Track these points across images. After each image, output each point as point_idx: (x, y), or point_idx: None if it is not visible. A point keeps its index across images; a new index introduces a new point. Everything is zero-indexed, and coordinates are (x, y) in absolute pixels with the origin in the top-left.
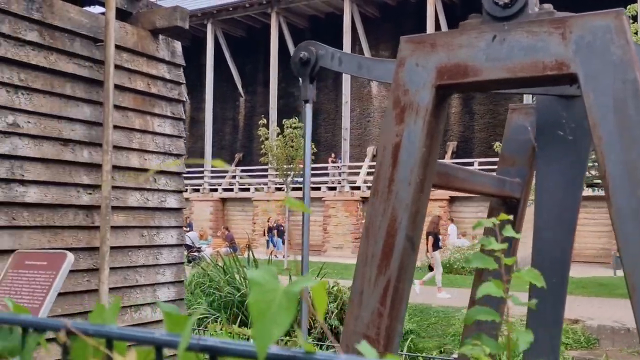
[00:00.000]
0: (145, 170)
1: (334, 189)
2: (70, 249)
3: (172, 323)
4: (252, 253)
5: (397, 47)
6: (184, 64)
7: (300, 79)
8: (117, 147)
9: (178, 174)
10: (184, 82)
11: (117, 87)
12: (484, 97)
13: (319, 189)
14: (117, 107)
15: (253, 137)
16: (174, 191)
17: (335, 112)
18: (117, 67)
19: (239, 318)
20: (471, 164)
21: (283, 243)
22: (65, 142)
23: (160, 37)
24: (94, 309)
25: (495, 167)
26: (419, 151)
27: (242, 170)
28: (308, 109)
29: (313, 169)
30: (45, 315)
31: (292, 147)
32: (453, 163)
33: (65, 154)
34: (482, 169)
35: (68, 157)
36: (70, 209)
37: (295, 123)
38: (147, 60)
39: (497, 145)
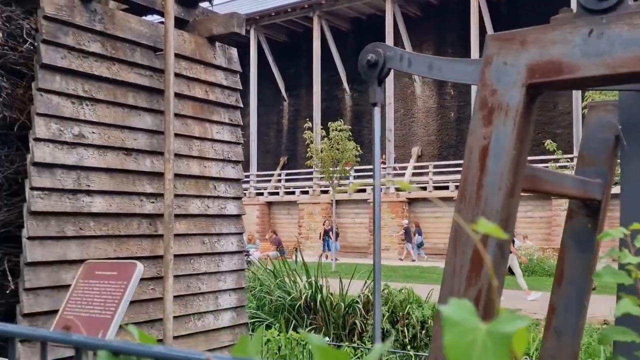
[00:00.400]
0: (205, 178)
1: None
2: (135, 258)
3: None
4: (302, 256)
5: (440, 46)
6: (240, 70)
7: (367, 82)
8: (177, 155)
9: (237, 180)
10: (241, 88)
11: (176, 95)
12: None
13: (364, 190)
14: (176, 115)
15: (297, 140)
16: (233, 198)
17: None
18: (176, 75)
19: (291, 323)
20: None
21: (338, 246)
22: (128, 151)
23: (217, 44)
24: (238, 342)
25: (546, 165)
26: (508, 154)
27: (287, 174)
28: (377, 112)
29: (358, 170)
30: (118, 325)
31: (337, 149)
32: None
33: (128, 164)
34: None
35: (131, 167)
36: (134, 217)
37: (340, 125)
38: (205, 68)
39: (549, 144)
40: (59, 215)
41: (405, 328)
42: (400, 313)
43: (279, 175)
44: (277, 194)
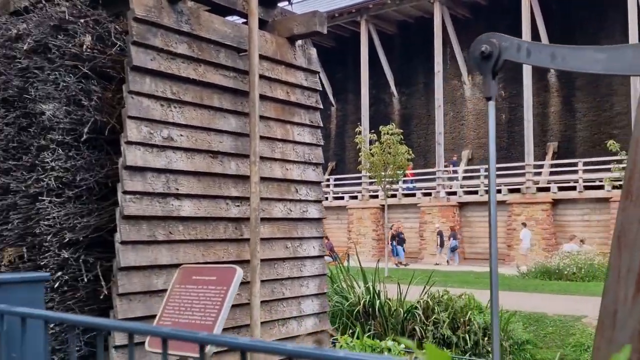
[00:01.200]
0: (287, 180)
1: (429, 194)
2: (221, 263)
3: None
4: (359, 261)
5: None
6: (320, 71)
7: (482, 74)
8: (260, 158)
9: (317, 183)
10: (321, 89)
11: (259, 96)
12: (586, 94)
13: (413, 195)
14: (259, 117)
15: (345, 145)
16: (314, 201)
17: (427, 117)
18: (259, 76)
19: (349, 328)
20: (575, 164)
21: (404, 251)
22: (214, 154)
23: (297, 44)
24: (427, 352)
25: (602, 167)
26: None
27: (336, 179)
28: (491, 107)
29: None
30: (220, 331)
31: (389, 153)
32: (554, 164)
33: (214, 167)
34: (587, 170)
35: (217, 170)
36: (220, 221)
37: (392, 129)
38: (286, 68)
39: (612, 144)
40: (149, 220)
41: (466, 334)
42: (461, 319)
43: (328, 180)
44: (326, 199)
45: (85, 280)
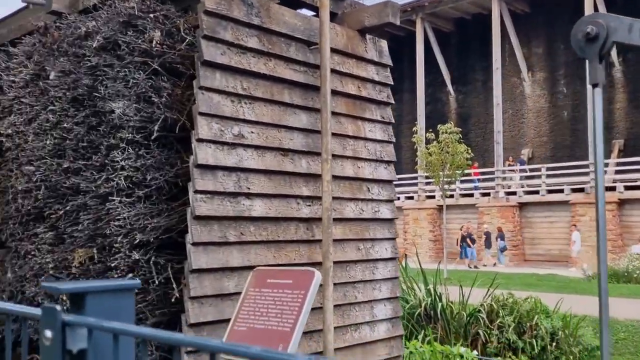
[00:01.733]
0: (359, 179)
1: (487, 194)
2: (293, 265)
3: None
4: (420, 263)
5: (551, 42)
6: (392, 64)
7: (586, 59)
8: (332, 155)
9: (389, 182)
10: (392, 83)
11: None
12: None
13: (471, 195)
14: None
15: (401, 145)
16: (386, 200)
17: (485, 115)
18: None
19: (409, 331)
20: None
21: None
22: (285, 152)
23: (368, 36)
24: None
25: None
26: None
27: None
28: (598, 95)
29: (466, 175)
30: (299, 338)
31: (447, 152)
32: (620, 162)
33: (285, 165)
34: None
35: (288, 168)
36: (291, 222)
37: (450, 128)
38: (357, 62)
39: None
40: (221, 220)
41: (533, 339)
42: (528, 324)
43: None
44: None
45: (157, 282)
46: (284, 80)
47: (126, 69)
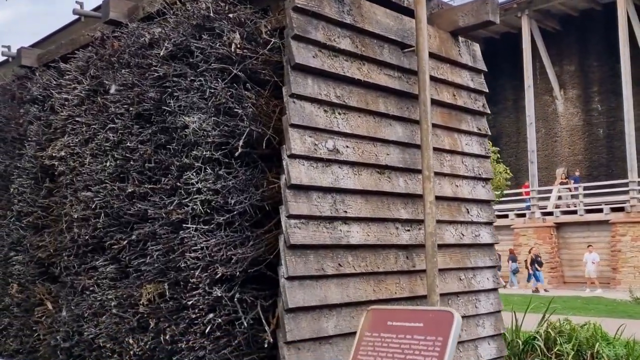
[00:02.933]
0: (458, 199)
1: (522, 215)
2: (394, 300)
3: None
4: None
5: (583, 60)
6: (486, 70)
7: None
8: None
9: (488, 202)
10: (487, 91)
11: None
12: None
13: (505, 216)
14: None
15: None
16: (486, 223)
17: (517, 135)
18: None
19: None
20: None
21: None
22: (382, 169)
23: (460, 39)
24: None
25: None
26: None
27: None
28: None
29: (509, 194)
30: None
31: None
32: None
33: (382, 184)
34: None
35: (386, 188)
36: (390, 250)
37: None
38: (451, 67)
39: None
40: (317, 249)
41: None
42: (589, 352)
43: None
44: None
45: (245, 324)
46: (379, 87)
47: (201, 78)
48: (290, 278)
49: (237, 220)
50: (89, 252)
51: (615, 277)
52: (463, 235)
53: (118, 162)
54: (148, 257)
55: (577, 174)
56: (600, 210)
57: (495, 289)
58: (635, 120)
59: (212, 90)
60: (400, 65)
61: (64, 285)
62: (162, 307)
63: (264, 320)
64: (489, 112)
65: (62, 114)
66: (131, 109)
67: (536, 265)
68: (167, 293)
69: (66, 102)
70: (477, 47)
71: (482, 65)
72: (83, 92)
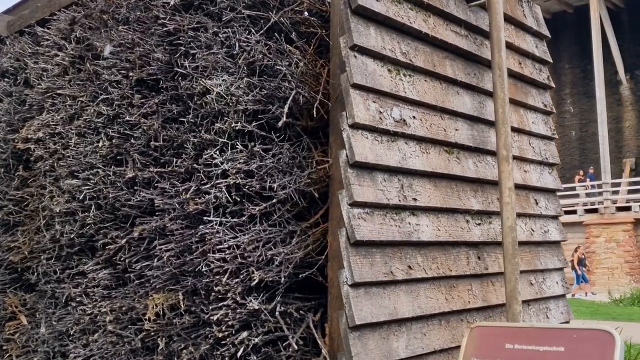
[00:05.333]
0: (527, 188)
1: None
2: (466, 312)
3: None
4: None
5: (556, 62)
6: (549, 36)
7: None
8: (495, 155)
9: (554, 191)
10: (551, 61)
11: (488, 67)
12: None
13: (574, 212)
14: (492, 96)
15: None
16: (554, 217)
17: None
18: (488, 38)
19: None
20: None
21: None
22: (450, 147)
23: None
24: None
25: None
26: None
27: None
28: None
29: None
30: None
31: None
32: (633, 182)
33: (452, 166)
34: None
35: (456, 171)
36: (461, 248)
37: None
38: (516, 30)
39: None
40: (383, 247)
41: None
42: None
43: None
44: None
45: (294, 345)
46: (445, 45)
47: (227, 30)
48: (356, 285)
49: (277, 211)
50: (75, 254)
51: (590, 278)
52: (533, 231)
53: (114, 141)
54: (156, 260)
55: (590, 171)
56: (574, 212)
57: (564, 295)
58: (608, 122)
59: (243, 44)
60: (467, 21)
61: (42, 295)
62: (174, 322)
63: (319, 340)
64: (553, 85)
65: (39, 87)
66: (131, 74)
67: (585, 264)
68: (182, 305)
69: (44, 73)
70: (539, 10)
71: (545, 31)
72: (66, 59)
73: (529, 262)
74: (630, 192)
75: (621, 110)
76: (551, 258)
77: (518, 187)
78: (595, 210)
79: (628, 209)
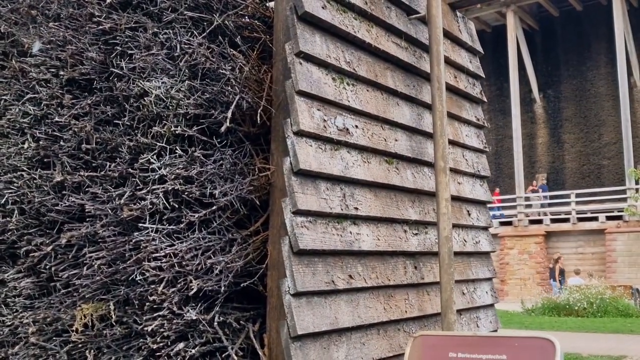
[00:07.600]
0: (460, 199)
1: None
2: (403, 321)
3: None
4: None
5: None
6: (482, 52)
7: None
8: (430, 166)
9: (484, 203)
10: (484, 76)
11: (426, 80)
12: (573, 125)
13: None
14: (428, 108)
15: None
16: (484, 228)
17: None
18: (427, 51)
19: None
20: (567, 196)
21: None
22: (390, 157)
23: (458, 14)
24: None
25: (594, 198)
26: None
27: None
28: None
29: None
30: None
31: None
32: (545, 196)
33: (392, 176)
34: (580, 202)
35: (395, 181)
36: (399, 258)
37: None
38: (452, 45)
39: (633, 172)
40: (325, 257)
41: None
42: None
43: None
44: None
45: (234, 356)
46: (387, 56)
47: (168, 31)
48: (298, 294)
49: (217, 218)
50: None
51: (503, 288)
52: (465, 241)
53: (41, 142)
54: (85, 268)
55: (544, 182)
56: (490, 225)
57: (492, 305)
58: (522, 139)
59: (185, 47)
60: (408, 33)
61: None
62: (104, 333)
63: (259, 351)
64: (485, 100)
65: None
66: (62, 73)
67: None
68: (113, 315)
69: None
70: (472, 26)
71: (479, 47)
72: None
73: (461, 272)
74: (541, 206)
75: (535, 128)
76: (482, 268)
77: (452, 198)
78: (509, 223)
79: (540, 222)
